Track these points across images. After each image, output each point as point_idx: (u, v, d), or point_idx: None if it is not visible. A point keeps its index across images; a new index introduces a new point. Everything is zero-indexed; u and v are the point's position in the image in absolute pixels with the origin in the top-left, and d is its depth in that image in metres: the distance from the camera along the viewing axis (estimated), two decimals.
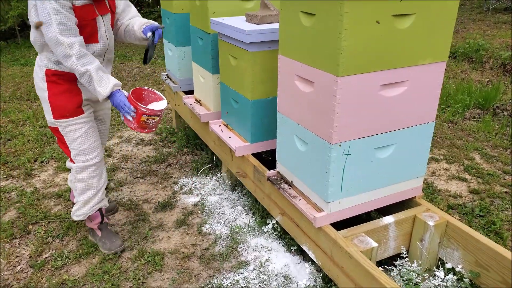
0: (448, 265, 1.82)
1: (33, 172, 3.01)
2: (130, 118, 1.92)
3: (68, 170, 2.74)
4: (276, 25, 2.07)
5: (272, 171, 2.08)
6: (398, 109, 1.67)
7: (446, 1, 1.57)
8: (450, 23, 1.61)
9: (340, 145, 1.60)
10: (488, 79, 5.15)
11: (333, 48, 1.45)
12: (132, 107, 1.88)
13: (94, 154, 2.06)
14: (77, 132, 1.99)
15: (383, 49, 1.51)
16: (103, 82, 1.85)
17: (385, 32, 1.49)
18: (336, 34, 1.42)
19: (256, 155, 2.37)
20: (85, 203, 2.13)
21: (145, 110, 1.90)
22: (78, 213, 2.16)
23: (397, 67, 1.58)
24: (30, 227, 2.39)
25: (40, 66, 1.92)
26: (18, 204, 2.62)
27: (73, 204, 2.38)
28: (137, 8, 10.21)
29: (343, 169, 1.66)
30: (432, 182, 2.82)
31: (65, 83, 1.94)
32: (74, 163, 2.05)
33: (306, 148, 1.76)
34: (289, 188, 1.94)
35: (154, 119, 1.96)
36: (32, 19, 1.78)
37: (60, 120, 1.95)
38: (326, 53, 1.50)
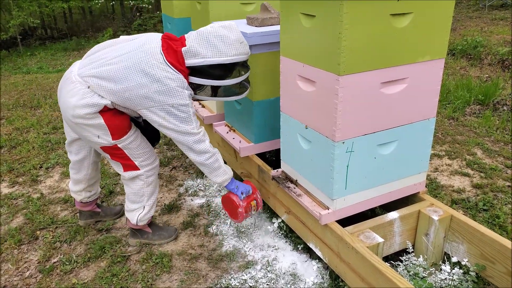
0: (454, 259, 1.84)
1: (39, 178, 3.04)
2: (242, 197, 2.09)
3: None
4: (277, 27, 2.10)
5: (276, 170, 2.11)
6: (399, 106, 1.70)
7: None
8: (447, 20, 1.64)
9: (343, 142, 1.63)
10: (487, 75, 5.18)
11: (334, 48, 1.48)
12: (251, 191, 2.13)
13: (155, 155, 2.12)
14: (136, 141, 2.00)
15: (382, 48, 1.54)
16: (226, 165, 2.07)
17: (384, 31, 1.52)
18: (336, 34, 1.45)
19: (260, 156, 2.40)
20: (152, 206, 2.18)
21: (259, 196, 2.17)
22: (146, 217, 2.18)
23: (397, 64, 1.61)
24: (38, 232, 2.42)
25: (96, 104, 1.84)
26: (25, 210, 2.65)
27: (83, 212, 2.41)
28: (137, 14, 10.32)
29: (347, 166, 1.68)
30: (435, 178, 2.84)
31: (113, 108, 1.92)
32: (139, 169, 2.05)
33: (310, 146, 1.79)
34: (294, 187, 1.96)
35: (255, 210, 2.16)
36: (171, 123, 1.85)
37: (122, 138, 1.95)
38: (327, 53, 1.53)
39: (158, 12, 9.79)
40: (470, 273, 1.76)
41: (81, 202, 2.38)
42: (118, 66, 1.80)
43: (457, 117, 3.94)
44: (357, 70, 1.53)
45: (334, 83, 1.53)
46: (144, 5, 9.62)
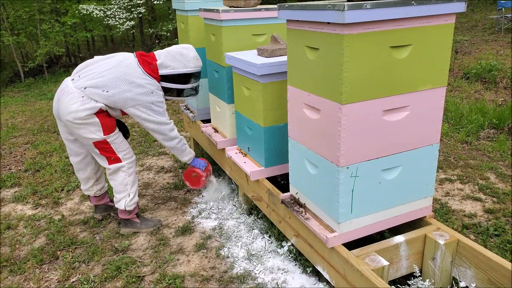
0: (462, 284, 1.84)
1: (60, 201, 3.18)
2: (202, 169, 2.77)
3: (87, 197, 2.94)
4: (285, 58, 2.22)
5: (285, 194, 2.17)
6: (402, 132, 1.76)
7: (440, 31, 1.68)
8: (446, 51, 1.72)
9: (348, 167, 1.69)
10: (502, 99, 5.16)
11: (336, 78, 1.57)
12: (206, 165, 2.82)
13: (132, 152, 2.63)
14: (119, 138, 2.54)
15: (383, 78, 1.63)
16: (190, 148, 2.73)
17: (384, 62, 1.60)
18: (338, 66, 1.55)
19: (272, 179, 2.47)
20: (135, 193, 2.63)
21: (211, 168, 2.87)
22: (132, 202, 2.61)
23: (398, 93, 1.68)
24: (58, 253, 2.53)
25: (93, 107, 2.37)
26: (47, 231, 2.78)
27: (97, 206, 2.81)
28: (156, 41, 10.72)
29: (352, 191, 1.74)
30: (446, 202, 2.85)
31: (105, 111, 2.47)
32: (122, 162, 2.54)
33: (316, 171, 1.86)
34: (303, 211, 2.02)
35: (209, 176, 2.89)
36: (152, 116, 2.45)
37: (110, 134, 2.47)
38: (330, 83, 1.62)
39: (176, 39, 10.16)
40: None
41: (95, 196, 2.79)
42: (108, 78, 2.37)
43: (471, 141, 3.93)
44: (359, 99, 1.61)
45: (337, 111, 1.62)
46: (163, 33, 10.01)
